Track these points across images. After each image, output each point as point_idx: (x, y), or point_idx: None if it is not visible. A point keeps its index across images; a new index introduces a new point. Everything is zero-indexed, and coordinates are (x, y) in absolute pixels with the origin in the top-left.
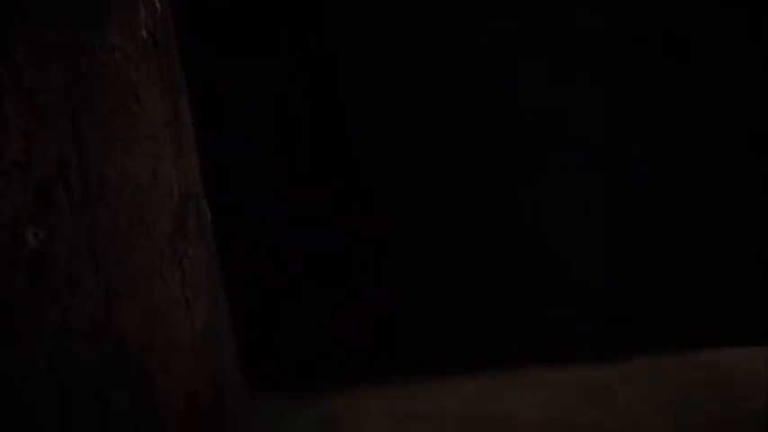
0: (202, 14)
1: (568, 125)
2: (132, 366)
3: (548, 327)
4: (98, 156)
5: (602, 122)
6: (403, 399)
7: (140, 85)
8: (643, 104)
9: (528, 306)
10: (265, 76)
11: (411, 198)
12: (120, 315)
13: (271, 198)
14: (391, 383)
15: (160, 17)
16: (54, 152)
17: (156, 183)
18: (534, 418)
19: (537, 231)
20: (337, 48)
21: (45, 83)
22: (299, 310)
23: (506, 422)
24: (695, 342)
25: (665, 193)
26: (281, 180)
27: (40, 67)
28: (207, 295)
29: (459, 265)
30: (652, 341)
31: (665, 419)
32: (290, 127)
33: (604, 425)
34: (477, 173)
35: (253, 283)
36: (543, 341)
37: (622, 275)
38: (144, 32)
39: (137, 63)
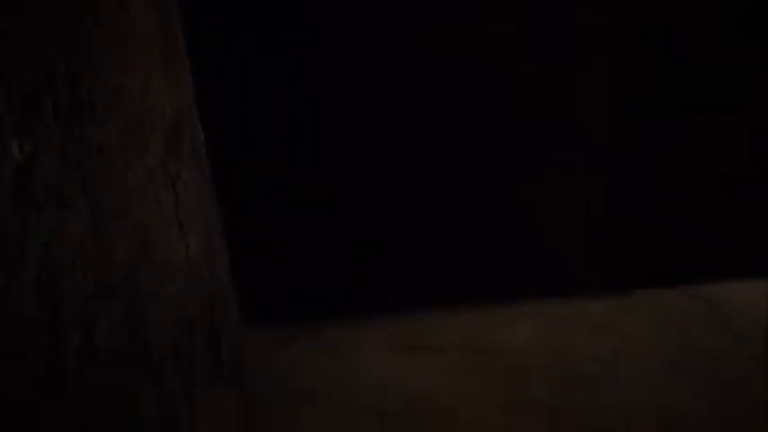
0: None
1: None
2: (123, 287)
3: (546, 260)
4: (87, 67)
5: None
6: (402, 330)
7: None
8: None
9: (525, 239)
10: None
11: (414, 126)
12: (111, 236)
13: (268, 127)
14: (391, 315)
15: None
16: (40, 62)
17: (148, 99)
18: (533, 349)
19: (535, 163)
20: None
21: None
22: (298, 240)
23: (504, 353)
24: (695, 276)
25: (662, 126)
26: (278, 111)
27: None
28: (201, 220)
29: (459, 198)
30: (652, 275)
31: (665, 350)
32: (280, 50)
33: (603, 354)
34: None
35: (250, 213)
36: (543, 275)
37: (622, 208)
38: None
39: None
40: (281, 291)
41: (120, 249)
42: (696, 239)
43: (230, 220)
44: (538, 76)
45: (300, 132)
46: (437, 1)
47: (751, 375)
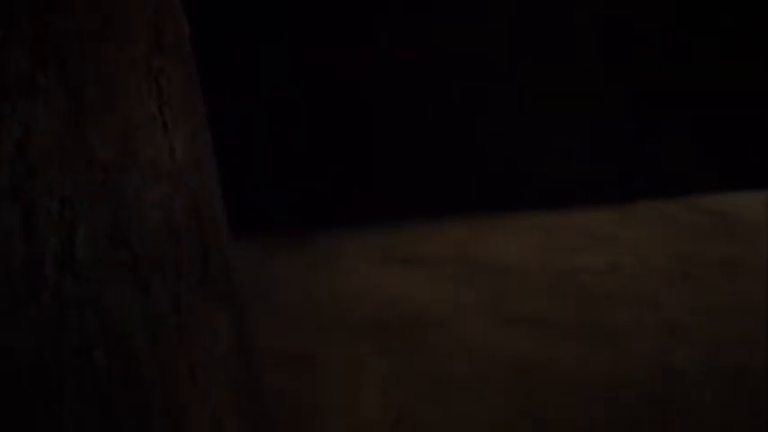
0: None
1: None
2: (104, 189)
3: (544, 170)
4: None
5: None
6: (393, 242)
7: None
8: None
9: (522, 149)
10: None
11: (402, 35)
12: (92, 133)
13: (256, 39)
14: (381, 228)
15: None
16: None
17: None
18: (529, 261)
19: (532, 70)
20: None
21: None
22: (284, 152)
23: (499, 265)
24: (698, 187)
25: (661, 39)
26: (267, 27)
27: None
28: (187, 121)
29: (450, 106)
30: (655, 187)
31: (669, 259)
32: None
33: (603, 266)
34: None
35: (236, 125)
36: (542, 186)
37: (624, 118)
38: None
39: None
40: (268, 203)
41: (101, 148)
42: (700, 150)
43: (216, 134)
44: None
45: (286, 48)
46: None
47: (754, 287)
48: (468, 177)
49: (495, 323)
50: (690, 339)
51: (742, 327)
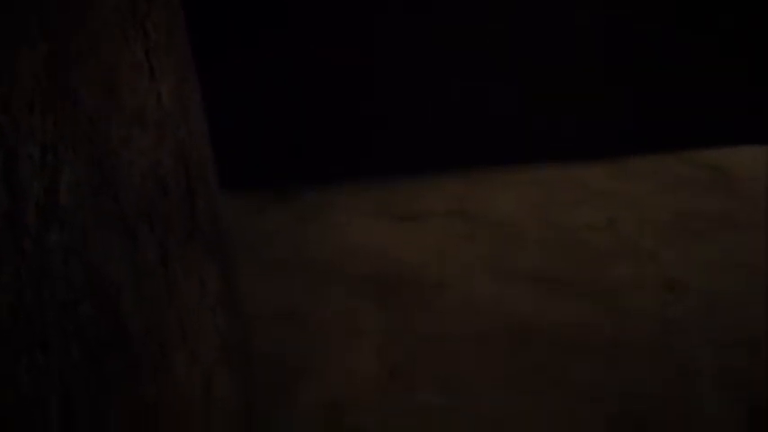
0: None
1: None
2: (89, 136)
3: (540, 124)
4: None
5: None
6: (387, 197)
7: None
8: None
9: (518, 102)
10: None
11: None
12: (75, 78)
13: None
14: (375, 182)
15: None
16: None
17: None
18: (527, 216)
19: (529, 23)
20: None
21: None
22: (275, 104)
23: (496, 220)
24: (696, 141)
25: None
26: None
27: None
28: (174, 66)
29: (445, 57)
30: (651, 140)
31: (667, 214)
32: None
33: (601, 221)
34: None
35: (226, 78)
36: (536, 139)
37: (621, 71)
38: None
39: None
40: (255, 157)
41: (85, 92)
42: (698, 104)
43: (203, 86)
44: None
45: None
46: None
47: (752, 242)
48: (463, 132)
49: (494, 280)
50: (689, 294)
51: (741, 281)
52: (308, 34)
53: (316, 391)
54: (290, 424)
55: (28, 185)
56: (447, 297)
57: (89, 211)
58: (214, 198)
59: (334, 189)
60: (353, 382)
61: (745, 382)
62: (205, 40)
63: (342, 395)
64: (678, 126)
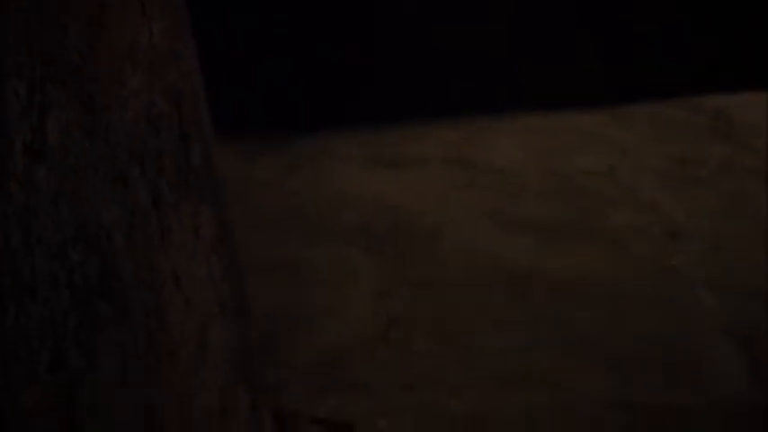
0: None
1: None
2: (78, 74)
3: (538, 71)
4: None
5: None
6: (381, 145)
7: None
8: None
9: (512, 47)
10: None
11: None
12: (63, 12)
13: None
14: (368, 129)
15: None
16: None
17: None
18: (524, 163)
19: None
20: None
21: None
22: (267, 51)
23: (493, 167)
24: (696, 88)
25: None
26: None
27: None
28: (167, 5)
29: (432, 4)
30: (652, 87)
31: (667, 160)
32: None
33: (599, 167)
34: None
35: (219, 25)
36: (534, 87)
37: (618, 14)
38: None
39: None
40: (245, 104)
41: (73, 27)
42: (697, 49)
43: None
44: None
45: None
46: None
47: (753, 188)
48: (456, 78)
49: (494, 228)
50: (689, 241)
51: (741, 227)
52: None
53: (313, 343)
54: (288, 375)
55: (14, 124)
56: (446, 246)
57: (78, 153)
58: (209, 143)
59: (324, 136)
60: (351, 333)
61: (746, 328)
62: None
63: (339, 346)
64: (678, 71)
